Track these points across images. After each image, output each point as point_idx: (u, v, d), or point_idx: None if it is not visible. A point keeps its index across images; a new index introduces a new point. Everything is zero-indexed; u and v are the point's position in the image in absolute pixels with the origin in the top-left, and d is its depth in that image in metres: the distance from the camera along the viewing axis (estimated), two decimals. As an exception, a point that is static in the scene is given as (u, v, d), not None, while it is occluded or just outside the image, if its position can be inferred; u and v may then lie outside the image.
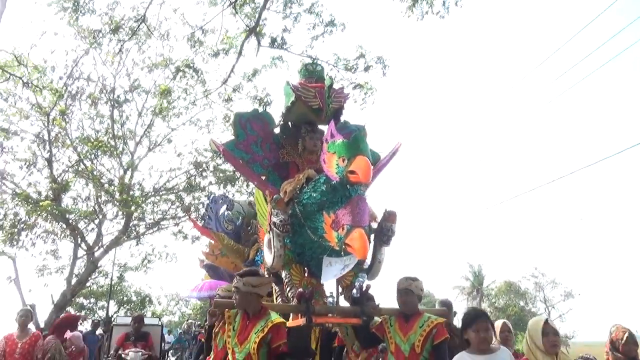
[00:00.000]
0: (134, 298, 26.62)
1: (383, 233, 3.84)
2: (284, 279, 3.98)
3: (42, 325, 14.16)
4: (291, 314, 3.78)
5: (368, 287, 3.81)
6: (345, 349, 4.68)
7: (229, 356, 3.41)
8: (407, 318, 3.66)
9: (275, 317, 3.43)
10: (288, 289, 3.86)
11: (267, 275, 3.92)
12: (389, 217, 3.84)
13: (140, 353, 6.55)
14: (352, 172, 3.31)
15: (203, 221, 8.31)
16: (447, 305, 5.00)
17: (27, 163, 14.48)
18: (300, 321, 3.58)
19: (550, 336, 3.23)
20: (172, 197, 16.51)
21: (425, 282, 3.85)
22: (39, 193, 14.57)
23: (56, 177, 14.43)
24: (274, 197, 3.82)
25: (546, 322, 3.31)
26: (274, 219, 3.73)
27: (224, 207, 7.47)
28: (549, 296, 37.79)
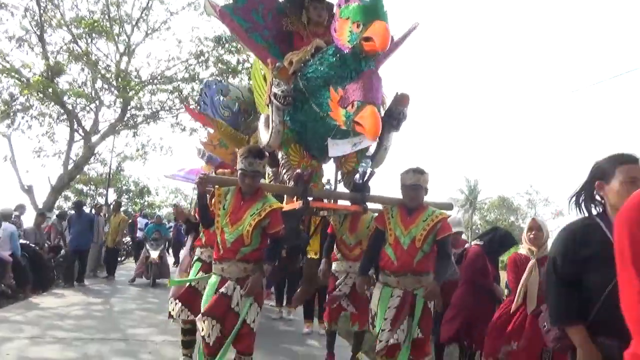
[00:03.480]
0: (132, 187, 26.98)
1: (393, 117, 3.47)
2: (280, 160, 3.68)
3: (40, 206, 14.34)
4: (285, 197, 3.54)
5: (372, 173, 3.53)
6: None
7: (218, 236, 3.21)
8: (410, 210, 3.43)
9: (273, 201, 3.19)
10: (284, 170, 3.58)
11: None
12: (401, 100, 3.45)
13: None
14: (368, 39, 2.87)
15: (199, 107, 7.92)
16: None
17: (19, 39, 13.80)
18: (296, 205, 3.35)
19: None
20: (170, 87, 15.97)
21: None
22: (34, 74, 14.07)
23: (49, 56, 13.80)
24: (277, 65, 3.40)
25: None
26: (275, 90, 3.35)
27: (218, 93, 7.06)
28: (540, 213, 38.56)
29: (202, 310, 3.10)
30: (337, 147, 3.32)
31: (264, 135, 3.69)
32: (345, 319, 4.63)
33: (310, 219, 5.29)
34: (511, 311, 3.64)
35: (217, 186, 3.28)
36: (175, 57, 15.96)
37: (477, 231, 38.56)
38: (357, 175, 3.51)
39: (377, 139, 3.16)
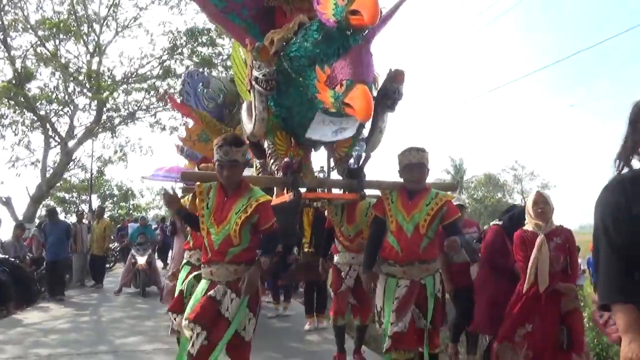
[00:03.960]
0: (115, 192, 26.42)
1: (388, 96, 3.17)
2: (266, 149, 3.39)
3: (20, 218, 13.85)
4: (275, 189, 3.25)
5: (368, 158, 3.25)
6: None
7: (204, 238, 2.89)
8: (412, 194, 3.15)
9: (260, 194, 2.85)
10: (272, 160, 3.29)
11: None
12: (396, 77, 3.16)
13: None
14: (355, 12, 2.59)
15: (182, 98, 7.54)
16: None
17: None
18: (286, 197, 3.07)
19: None
20: (145, 85, 15.52)
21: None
22: (1, 81, 13.51)
23: (15, 59, 13.27)
24: (256, 45, 3.07)
25: None
26: (256, 73, 3.04)
27: (200, 84, 6.73)
28: (527, 188, 38.82)
29: (186, 316, 2.77)
30: (320, 129, 3.02)
31: (247, 124, 3.39)
32: (347, 312, 4.39)
33: (302, 212, 5.02)
34: (523, 291, 3.44)
35: (197, 183, 2.97)
36: (148, 54, 15.58)
37: (466, 210, 38.71)
38: (352, 160, 3.23)
39: (370, 120, 2.88)
